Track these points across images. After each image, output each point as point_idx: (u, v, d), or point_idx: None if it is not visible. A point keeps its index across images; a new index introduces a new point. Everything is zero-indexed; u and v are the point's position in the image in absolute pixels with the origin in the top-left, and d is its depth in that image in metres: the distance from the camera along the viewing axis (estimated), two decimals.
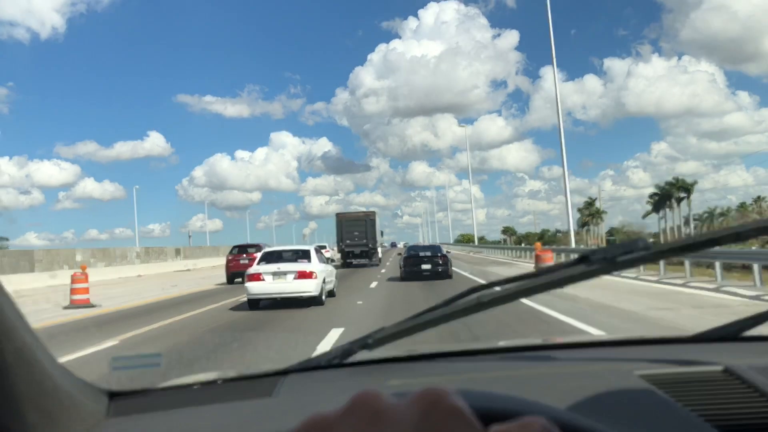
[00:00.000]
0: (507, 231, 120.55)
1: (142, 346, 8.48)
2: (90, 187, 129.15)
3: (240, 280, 18.93)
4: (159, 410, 1.04)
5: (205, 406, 1.04)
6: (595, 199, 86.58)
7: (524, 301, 7.30)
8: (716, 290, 12.85)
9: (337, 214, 34.21)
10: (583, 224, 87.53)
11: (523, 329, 8.26)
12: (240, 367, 2.26)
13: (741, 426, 0.89)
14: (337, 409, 0.40)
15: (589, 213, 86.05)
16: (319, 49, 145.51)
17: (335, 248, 39.47)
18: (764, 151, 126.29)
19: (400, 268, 20.41)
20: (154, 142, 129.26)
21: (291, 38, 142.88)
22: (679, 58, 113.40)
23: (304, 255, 13.68)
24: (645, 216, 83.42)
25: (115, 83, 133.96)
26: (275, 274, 12.66)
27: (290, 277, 12.60)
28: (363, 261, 32.68)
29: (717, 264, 13.97)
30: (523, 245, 54.45)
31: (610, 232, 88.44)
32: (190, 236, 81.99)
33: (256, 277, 12.67)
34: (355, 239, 32.61)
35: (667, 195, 76.98)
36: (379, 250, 37.66)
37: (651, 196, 79.77)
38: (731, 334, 1.34)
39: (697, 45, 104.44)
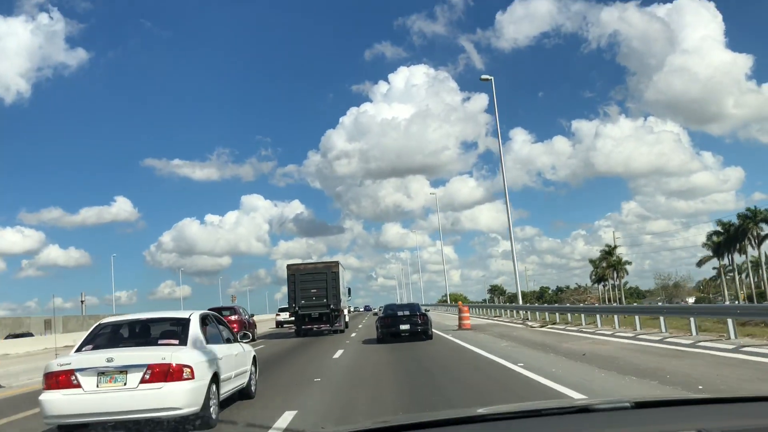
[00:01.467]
0: (494, 290, 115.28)
1: None
2: (54, 254, 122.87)
3: None
4: None
5: None
6: (615, 247, 77.88)
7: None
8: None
9: (289, 266, 26.92)
10: (599, 279, 79.96)
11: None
12: None
13: None
14: None
15: (608, 264, 77.06)
16: (290, 113, 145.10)
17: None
18: (731, 210, 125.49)
19: (377, 329, 20.24)
20: (121, 207, 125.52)
21: (261, 102, 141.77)
22: (645, 119, 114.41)
23: (173, 330, 7.25)
24: (701, 264, 74.25)
25: (80, 148, 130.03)
26: (103, 373, 6.23)
27: (134, 378, 6.20)
28: (323, 327, 26.02)
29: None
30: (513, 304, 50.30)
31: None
32: (83, 301, 74.00)
33: (64, 380, 6.23)
34: (313, 299, 26.01)
35: (741, 232, 63.07)
36: (346, 312, 31.00)
37: (711, 236, 68.04)
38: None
39: (661, 106, 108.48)
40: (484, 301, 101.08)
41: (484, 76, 37.10)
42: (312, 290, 26.02)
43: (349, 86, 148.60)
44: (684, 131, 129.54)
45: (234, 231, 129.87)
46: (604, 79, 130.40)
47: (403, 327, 19.32)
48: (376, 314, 25.06)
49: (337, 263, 27.04)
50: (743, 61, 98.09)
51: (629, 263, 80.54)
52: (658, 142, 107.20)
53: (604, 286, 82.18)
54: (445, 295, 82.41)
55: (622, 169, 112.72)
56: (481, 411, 1.56)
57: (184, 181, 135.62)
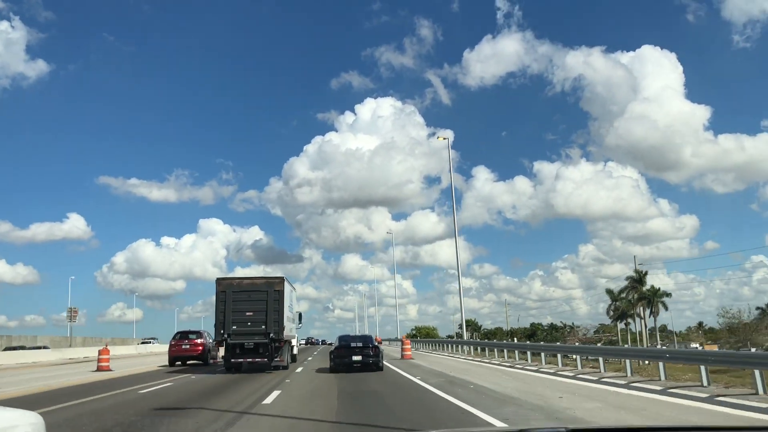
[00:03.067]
0: (467, 325, 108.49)
1: None
2: (0, 269, 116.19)
3: (180, 363, 25.98)
4: None
5: None
6: (645, 273, 63.43)
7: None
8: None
9: (219, 280, 20.93)
10: (619, 315, 66.38)
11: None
12: None
13: None
14: None
15: (639, 296, 62.10)
16: (253, 137, 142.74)
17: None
18: (684, 257, 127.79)
19: (330, 359, 20.57)
20: (74, 225, 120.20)
21: (224, 124, 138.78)
22: (605, 164, 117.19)
23: None
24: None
25: (34, 161, 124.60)
26: None
27: None
28: (259, 360, 20.28)
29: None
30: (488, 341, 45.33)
31: None
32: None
33: None
34: (248, 324, 20.29)
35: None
36: (294, 342, 25.22)
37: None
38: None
39: (621, 151, 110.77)
40: (453, 336, 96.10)
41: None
42: (247, 313, 20.33)
43: (314, 114, 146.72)
44: (642, 178, 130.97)
45: (190, 255, 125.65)
46: (567, 123, 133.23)
47: (356, 358, 20.01)
48: (331, 344, 25.14)
49: (282, 279, 21.23)
50: (701, 112, 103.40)
51: (668, 295, 65.29)
52: (616, 187, 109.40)
53: (626, 324, 68.40)
54: (414, 329, 76.67)
55: (580, 211, 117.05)
56: None
57: (141, 201, 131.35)
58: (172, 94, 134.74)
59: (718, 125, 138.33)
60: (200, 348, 27.07)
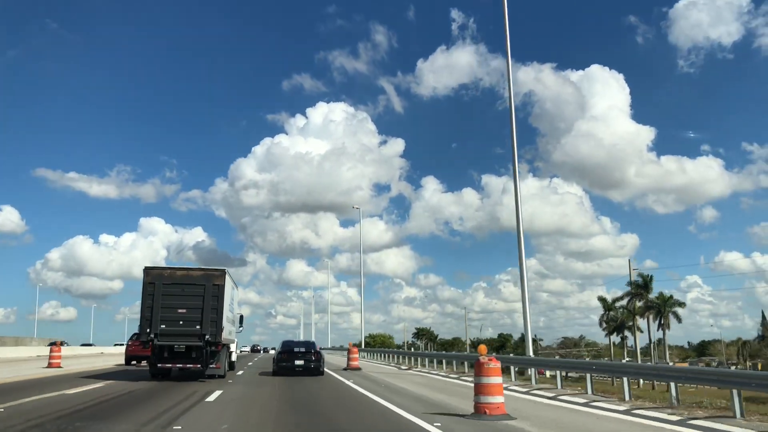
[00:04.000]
0: (422, 334, 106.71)
1: None
2: None
3: (135, 363, 26.73)
4: None
5: None
6: (650, 278, 54.73)
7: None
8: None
9: (147, 270, 17.87)
10: (617, 327, 57.72)
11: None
12: None
13: None
14: None
15: (648, 305, 53.48)
16: (200, 136, 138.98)
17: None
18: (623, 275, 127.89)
19: (273, 362, 21.59)
20: (7, 217, 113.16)
21: (170, 120, 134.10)
22: (551, 180, 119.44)
23: None
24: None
25: None
26: None
27: None
28: (191, 366, 17.43)
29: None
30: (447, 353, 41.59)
31: None
32: None
33: None
34: (179, 323, 17.41)
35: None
36: (233, 347, 22.35)
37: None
38: None
39: (568, 168, 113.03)
40: (410, 346, 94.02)
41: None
42: (180, 310, 17.45)
43: (264, 115, 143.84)
44: (586, 195, 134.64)
45: (129, 254, 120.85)
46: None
47: (298, 362, 20.88)
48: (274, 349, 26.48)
49: (223, 272, 18.31)
50: (646, 133, 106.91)
51: (682, 305, 56.36)
52: (561, 203, 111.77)
53: (623, 338, 59.80)
54: (368, 337, 72.90)
55: (525, 225, 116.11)
56: None
57: (79, 196, 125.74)
58: (115, 87, 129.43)
59: (661, 146, 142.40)
60: None
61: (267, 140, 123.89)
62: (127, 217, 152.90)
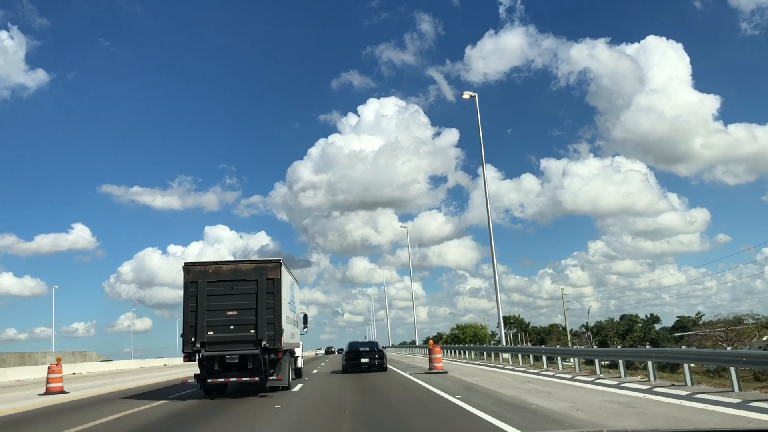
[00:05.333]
0: (510, 323, 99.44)
1: None
2: (8, 282, 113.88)
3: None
4: None
5: None
6: None
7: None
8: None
9: (186, 267, 14.99)
10: None
11: None
12: None
13: None
14: None
15: None
16: (255, 141, 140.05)
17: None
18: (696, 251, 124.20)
19: (342, 361, 24.56)
20: (79, 235, 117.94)
21: (225, 128, 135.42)
22: (613, 158, 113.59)
23: None
24: None
25: (36, 172, 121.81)
26: None
27: None
28: (248, 379, 14.45)
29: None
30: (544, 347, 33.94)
31: None
32: None
33: None
34: (230, 328, 14.41)
35: None
36: (298, 352, 19.30)
37: None
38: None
39: (629, 145, 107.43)
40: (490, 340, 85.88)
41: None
42: (229, 312, 14.47)
43: (316, 116, 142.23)
44: (651, 171, 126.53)
45: None
46: (573, 118, 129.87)
47: (364, 360, 23.42)
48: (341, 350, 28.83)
49: (278, 263, 15.07)
50: (711, 102, 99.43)
51: None
52: (625, 182, 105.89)
53: None
54: (456, 328, 67.33)
55: (589, 207, 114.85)
56: None
57: (145, 209, 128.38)
58: (170, 99, 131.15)
59: (728, 114, 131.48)
60: None
61: (321, 141, 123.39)
62: (192, 227, 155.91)
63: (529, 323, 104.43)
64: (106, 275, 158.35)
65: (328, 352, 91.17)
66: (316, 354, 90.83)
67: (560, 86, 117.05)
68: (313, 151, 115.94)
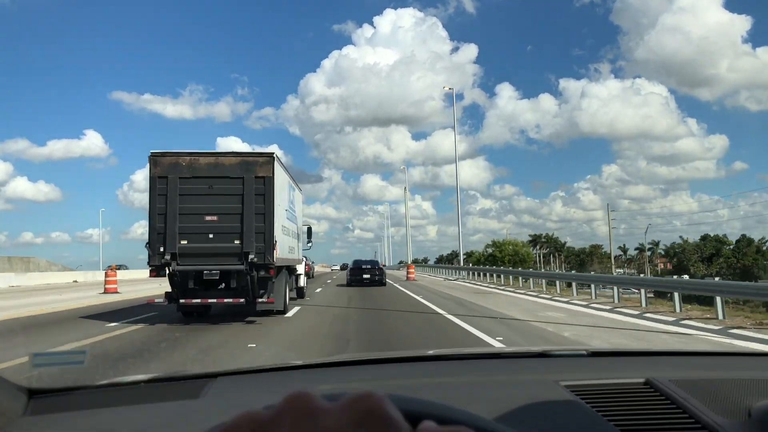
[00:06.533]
0: (540, 242, 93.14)
1: None
2: (22, 186, 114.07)
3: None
4: (81, 409, 1.03)
5: (129, 407, 1.04)
6: None
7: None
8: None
9: (153, 157, 11.53)
10: None
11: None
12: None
13: None
14: (268, 408, 0.39)
15: None
16: (268, 49, 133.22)
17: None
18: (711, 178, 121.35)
19: (347, 276, 28.31)
20: (91, 142, 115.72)
21: (237, 36, 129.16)
22: (634, 80, 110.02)
23: None
24: None
25: (47, 75, 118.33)
26: None
27: None
28: (229, 300, 11.60)
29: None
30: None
31: None
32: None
33: None
34: (209, 236, 11.42)
35: None
36: (300, 268, 16.36)
37: None
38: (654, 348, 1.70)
39: (652, 67, 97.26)
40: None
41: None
42: (207, 217, 11.38)
43: (330, 26, 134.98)
44: (672, 96, 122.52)
45: None
46: (596, 36, 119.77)
47: (366, 276, 26.63)
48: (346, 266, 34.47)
49: (270, 157, 11.64)
50: (741, 23, 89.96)
51: None
52: (645, 105, 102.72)
53: None
54: (492, 245, 60.55)
55: (606, 130, 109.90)
56: (432, 353, 1.61)
57: (156, 118, 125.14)
58: (184, 4, 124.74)
59: (758, 37, 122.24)
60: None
61: (335, 53, 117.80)
62: (203, 137, 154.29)
63: (564, 243, 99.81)
64: (119, 183, 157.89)
65: (343, 268, 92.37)
66: (332, 270, 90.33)
67: (584, 2, 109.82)
68: (327, 63, 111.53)
